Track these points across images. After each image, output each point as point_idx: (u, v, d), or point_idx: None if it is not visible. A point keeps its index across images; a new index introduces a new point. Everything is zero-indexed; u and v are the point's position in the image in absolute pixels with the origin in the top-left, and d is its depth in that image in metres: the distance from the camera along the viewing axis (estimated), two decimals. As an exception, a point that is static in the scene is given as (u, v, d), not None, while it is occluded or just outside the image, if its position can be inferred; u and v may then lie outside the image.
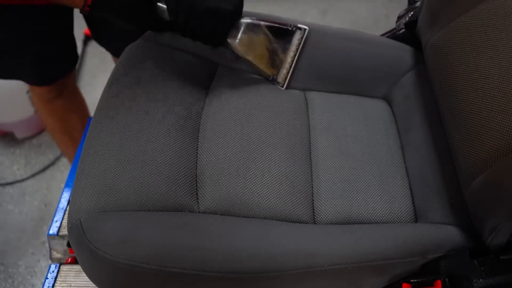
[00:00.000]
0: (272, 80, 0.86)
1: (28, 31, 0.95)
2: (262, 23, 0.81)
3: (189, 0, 0.74)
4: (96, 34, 1.19)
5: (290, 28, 0.85)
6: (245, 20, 0.79)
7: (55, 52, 1.04)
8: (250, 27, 0.80)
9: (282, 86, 0.86)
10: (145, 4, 0.76)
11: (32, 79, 1.10)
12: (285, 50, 0.85)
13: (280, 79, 0.86)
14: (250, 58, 0.82)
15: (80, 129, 1.25)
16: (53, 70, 1.08)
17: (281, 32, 0.84)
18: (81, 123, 1.25)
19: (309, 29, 0.86)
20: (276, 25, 0.83)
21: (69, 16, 1.02)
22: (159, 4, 0.77)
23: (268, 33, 0.82)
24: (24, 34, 0.95)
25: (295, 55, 0.86)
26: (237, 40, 0.79)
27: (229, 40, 0.80)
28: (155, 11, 0.77)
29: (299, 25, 0.85)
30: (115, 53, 1.26)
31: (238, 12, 0.79)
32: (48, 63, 1.04)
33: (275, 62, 0.85)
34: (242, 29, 0.79)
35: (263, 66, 0.84)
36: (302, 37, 0.86)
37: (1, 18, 0.91)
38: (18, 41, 0.96)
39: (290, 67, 0.86)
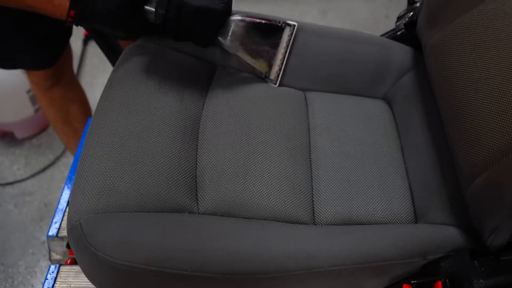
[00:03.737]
0: (264, 78, 0.86)
1: (23, 16, 0.94)
2: (251, 19, 0.81)
3: (178, 1, 0.73)
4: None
5: (279, 25, 0.85)
6: (234, 18, 0.79)
7: (48, 33, 1.04)
8: (240, 25, 0.79)
9: (275, 84, 0.86)
10: (131, 11, 0.75)
11: (30, 63, 1.10)
12: (276, 46, 0.86)
13: (272, 76, 0.86)
14: (241, 55, 0.82)
15: (81, 119, 1.25)
16: (48, 51, 1.09)
17: (270, 29, 0.85)
18: (82, 113, 1.26)
19: (299, 26, 0.86)
20: (265, 21, 0.83)
21: None
22: (147, 7, 0.75)
23: (258, 30, 0.83)
24: (19, 19, 0.96)
25: (286, 52, 0.86)
26: (228, 38, 0.79)
27: (220, 39, 0.80)
28: (143, 15, 0.76)
29: (288, 22, 0.85)
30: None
31: (228, 10, 0.79)
32: (42, 45, 1.04)
33: (266, 60, 0.85)
34: (232, 26, 0.79)
35: (255, 63, 0.84)
36: (292, 33, 0.86)
37: None
38: (14, 26, 0.97)
39: (282, 63, 0.86)
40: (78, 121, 1.26)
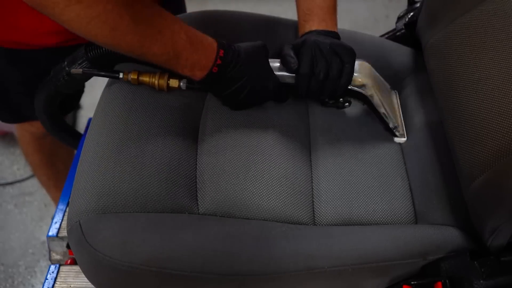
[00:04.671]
0: (394, 130, 0.85)
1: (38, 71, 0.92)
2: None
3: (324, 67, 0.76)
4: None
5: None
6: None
7: None
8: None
9: (403, 136, 0.85)
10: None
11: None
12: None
13: (401, 130, 0.85)
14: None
15: (66, 160, 1.21)
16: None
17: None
18: (68, 155, 1.23)
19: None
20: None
21: None
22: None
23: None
24: (35, 73, 0.93)
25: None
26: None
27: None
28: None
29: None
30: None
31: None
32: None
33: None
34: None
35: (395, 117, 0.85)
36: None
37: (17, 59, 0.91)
38: (28, 79, 0.95)
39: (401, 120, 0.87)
40: (63, 163, 1.22)
